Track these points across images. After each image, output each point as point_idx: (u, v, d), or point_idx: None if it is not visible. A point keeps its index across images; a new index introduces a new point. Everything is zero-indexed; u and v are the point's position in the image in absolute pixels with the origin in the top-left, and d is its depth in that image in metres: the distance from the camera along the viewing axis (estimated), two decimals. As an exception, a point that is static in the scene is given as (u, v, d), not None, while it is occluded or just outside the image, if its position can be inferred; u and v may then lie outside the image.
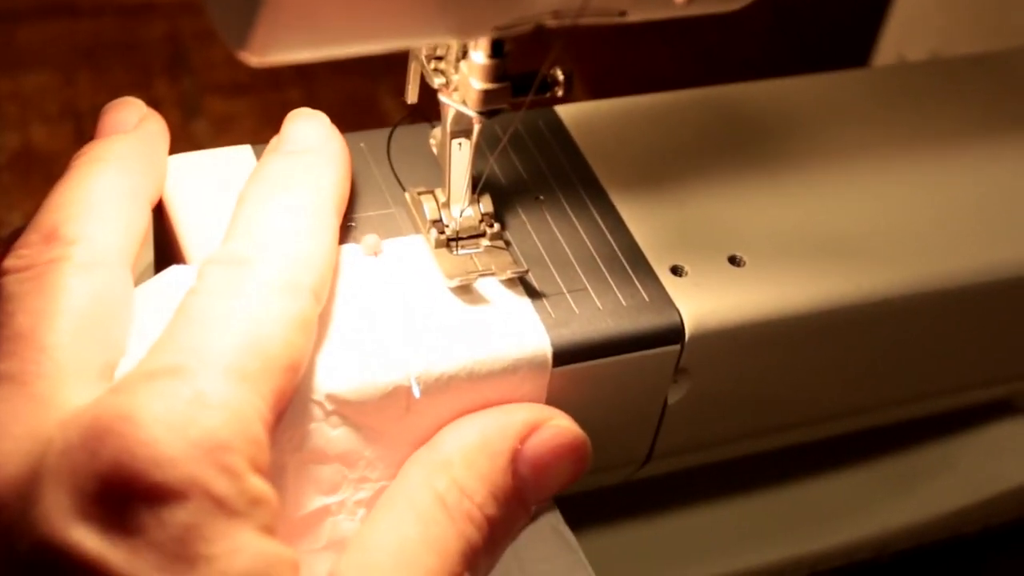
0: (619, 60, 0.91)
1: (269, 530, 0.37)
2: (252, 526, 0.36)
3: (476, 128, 0.46)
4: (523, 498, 0.44)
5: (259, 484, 0.37)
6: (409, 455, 0.44)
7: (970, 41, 0.77)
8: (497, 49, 0.44)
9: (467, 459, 0.43)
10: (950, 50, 0.78)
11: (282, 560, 0.36)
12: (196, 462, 0.35)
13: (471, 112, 0.45)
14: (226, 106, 0.89)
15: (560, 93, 0.45)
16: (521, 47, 0.44)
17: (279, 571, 0.36)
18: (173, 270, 0.45)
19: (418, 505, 0.41)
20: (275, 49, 0.36)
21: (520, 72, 0.45)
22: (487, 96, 0.44)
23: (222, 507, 0.35)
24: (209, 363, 0.37)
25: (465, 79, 0.44)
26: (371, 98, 0.90)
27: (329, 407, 0.42)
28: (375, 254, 0.47)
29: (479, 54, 0.44)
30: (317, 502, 0.43)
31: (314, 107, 0.49)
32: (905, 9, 0.83)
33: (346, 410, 0.43)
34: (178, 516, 0.35)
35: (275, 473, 0.41)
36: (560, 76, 0.45)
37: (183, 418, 0.35)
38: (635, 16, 0.41)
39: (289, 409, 0.41)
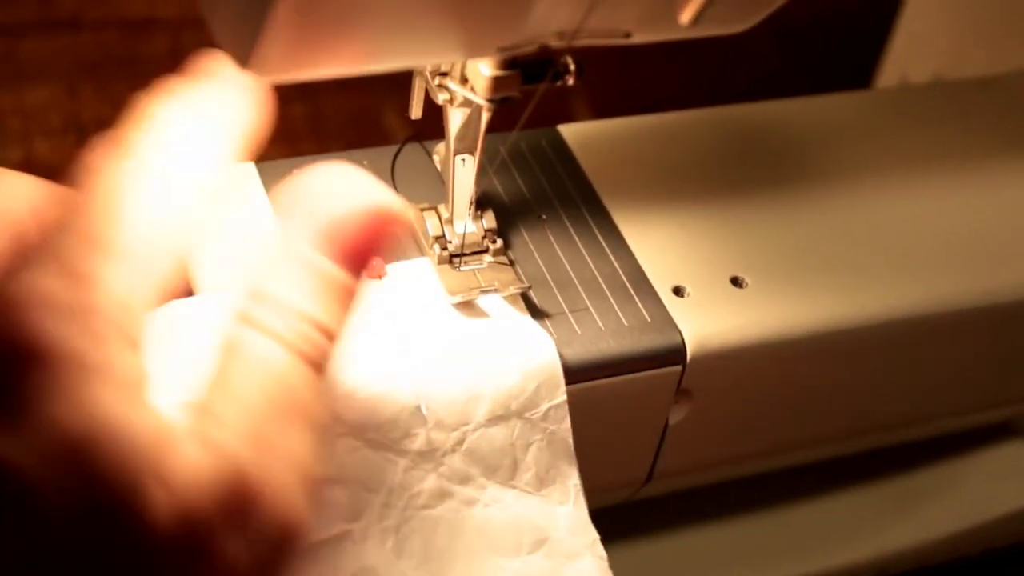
0: (623, 80, 0.91)
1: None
2: (111, 388, 0.33)
3: (485, 116, 0.44)
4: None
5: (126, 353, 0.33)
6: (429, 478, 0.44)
7: (974, 63, 0.77)
8: None
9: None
10: (954, 72, 0.78)
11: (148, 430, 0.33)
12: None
13: (480, 100, 0.44)
14: (229, 121, 0.89)
15: (571, 82, 0.44)
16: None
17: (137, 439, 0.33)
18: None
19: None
20: (279, 68, 0.36)
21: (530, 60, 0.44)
22: (497, 83, 0.43)
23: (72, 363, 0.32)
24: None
25: (475, 66, 0.43)
26: (375, 114, 0.90)
27: (340, 429, 0.42)
28: (379, 277, 0.47)
29: None
30: (336, 527, 0.43)
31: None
32: (909, 30, 0.83)
33: (358, 433, 0.43)
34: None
35: None
36: (571, 64, 0.44)
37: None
38: (640, 37, 0.41)
39: None
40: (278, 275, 0.36)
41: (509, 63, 0.43)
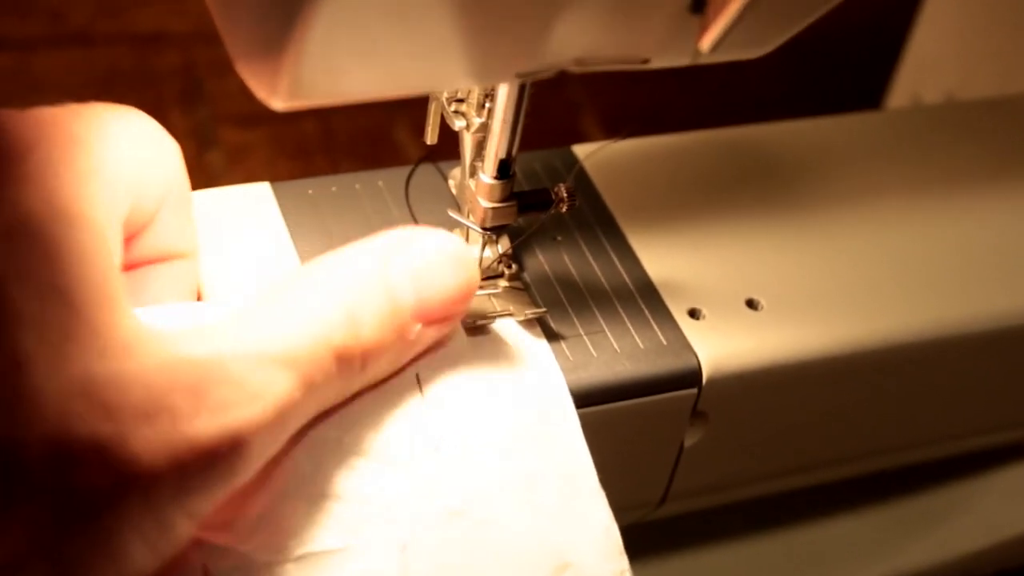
0: (632, 98, 0.92)
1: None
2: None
3: (483, 238, 0.47)
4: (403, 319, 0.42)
5: None
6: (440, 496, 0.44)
7: (986, 83, 0.77)
8: (503, 170, 0.46)
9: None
10: (966, 91, 0.78)
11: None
12: None
13: (479, 229, 0.47)
14: (241, 137, 0.90)
15: (564, 209, 0.47)
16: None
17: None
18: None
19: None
20: (300, 96, 0.36)
21: (526, 190, 0.47)
22: (494, 214, 0.46)
23: None
24: None
25: (474, 197, 0.46)
26: (387, 131, 0.90)
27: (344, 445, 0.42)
28: None
29: (486, 176, 0.46)
30: (335, 542, 0.42)
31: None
32: (920, 50, 0.83)
33: (363, 449, 0.43)
34: None
35: (285, 509, 0.41)
36: (564, 193, 0.47)
37: None
38: (658, 63, 0.41)
39: (302, 447, 0.41)
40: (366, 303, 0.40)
41: (506, 195, 0.46)
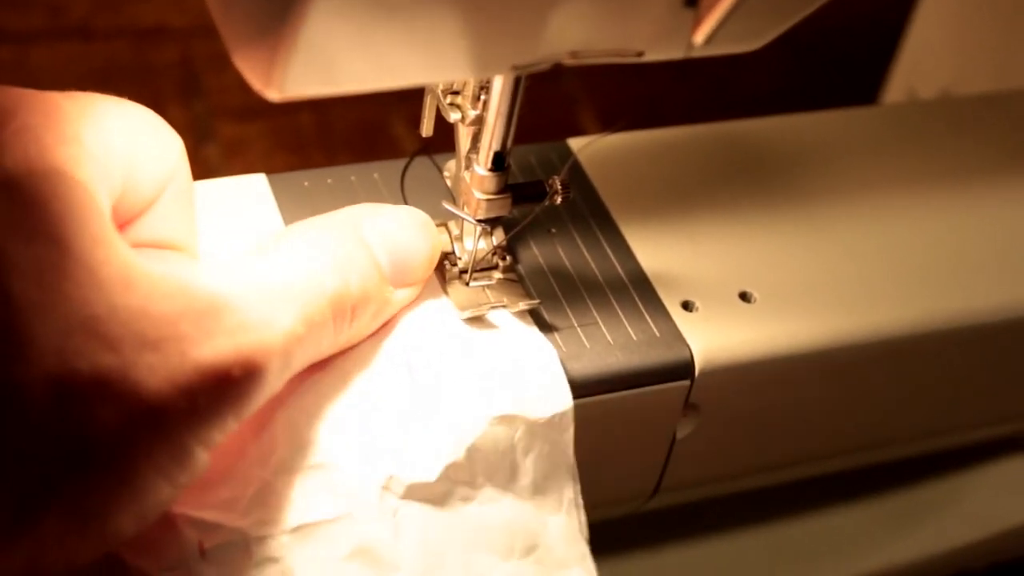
0: (629, 90, 0.92)
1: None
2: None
3: (477, 230, 0.48)
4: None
5: None
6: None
7: (982, 78, 0.77)
8: (498, 163, 0.46)
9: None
10: (962, 87, 0.79)
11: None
12: None
13: (472, 220, 0.47)
14: (238, 130, 0.90)
15: (559, 201, 0.47)
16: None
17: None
18: None
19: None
20: (295, 87, 0.36)
21: (521, 182, 0.48)
22: (488, 206, 0.47)
23: None
24: None
25: (468, 189, 0.47)
26: (383, 124, 0.90)
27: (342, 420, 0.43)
28: None
29: (481, 168, 0.46)
30: (337, 507, 0.43)
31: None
32: (917, 46, 0.83)
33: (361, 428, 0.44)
34: None
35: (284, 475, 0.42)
36: (559, 186, 0.47)
37: None
38: (652, 56, 0.41)
39: (296, 421, 0.42)
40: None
41: (501, 187, 0.47)
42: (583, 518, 0.47)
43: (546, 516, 0.46)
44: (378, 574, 0.43)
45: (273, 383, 0.39)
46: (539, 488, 0.46)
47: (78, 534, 0.35)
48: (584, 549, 0.47)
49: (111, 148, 0.40)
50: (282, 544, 0.41)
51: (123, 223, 0.43)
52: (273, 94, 0.37)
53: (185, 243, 0.45)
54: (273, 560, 0.41)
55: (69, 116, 0.38)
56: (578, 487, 0.47)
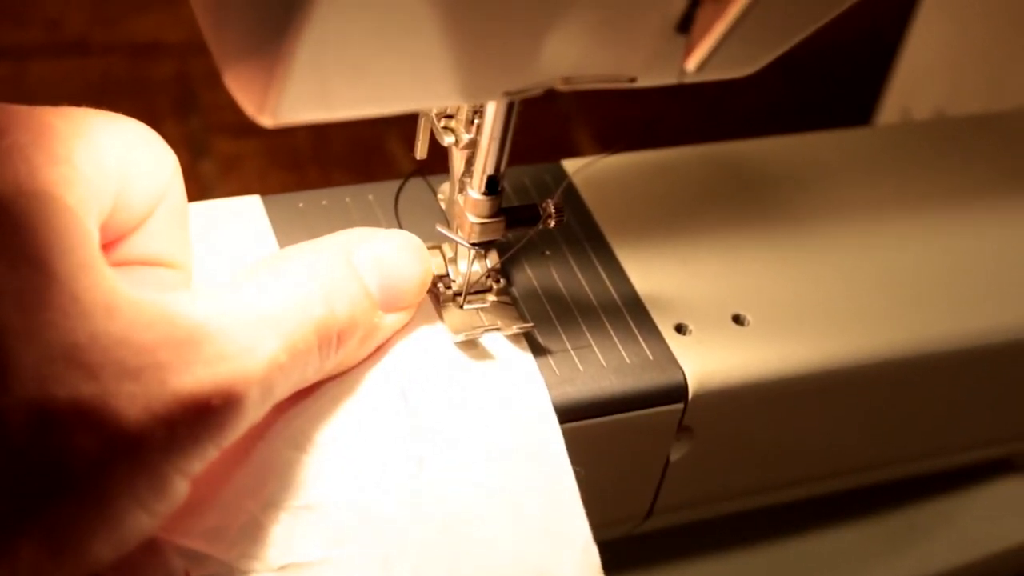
0: (623, 111, 0.92)
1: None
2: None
3: (471, 253, 0.48)
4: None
5: None
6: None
7: (976, 97, 0.78)
8: (492, 187, 0.46)
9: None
10: (956, 106, 0.79)
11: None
12: None
13: (466, 244, 0.47)
14: (234, 147, 0.90)
15: (552, 224, 0.48)
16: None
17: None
18: None
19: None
20: (289, 113, 0.37)
21: (515, 206, 0.48)
22: (482, 229, 0.47)
23: None
24: None
25: (462, 212, 0.47)
26: (379, 143, 0.90)
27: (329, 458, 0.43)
28: None
29: (474, 191, 0.46)
30: (316, 554, 0.43)
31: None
32: (911, 66, 0.83)
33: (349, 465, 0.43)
34: None
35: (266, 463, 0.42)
36: (552, 209, 0.47)
37: None
38: (645, 82, 0.41)
39: (285, 457, 0.42)
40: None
41: (494, 211, 0.47)
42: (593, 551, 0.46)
43: (560, 551, 0.45)
44: None
45: (254, 412, 0.38)
46: (545, 517, 0.45)
47: (54, 560, 0.34)
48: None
49: (103, 167, 0.40)
50: None
51: (115, 239, 0.43)
52: (267, 120, 0.37)
53: (178, 260, 0.45)
54: None
55: (60, 134, 0.38)
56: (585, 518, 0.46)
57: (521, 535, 0.45)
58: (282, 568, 0.42)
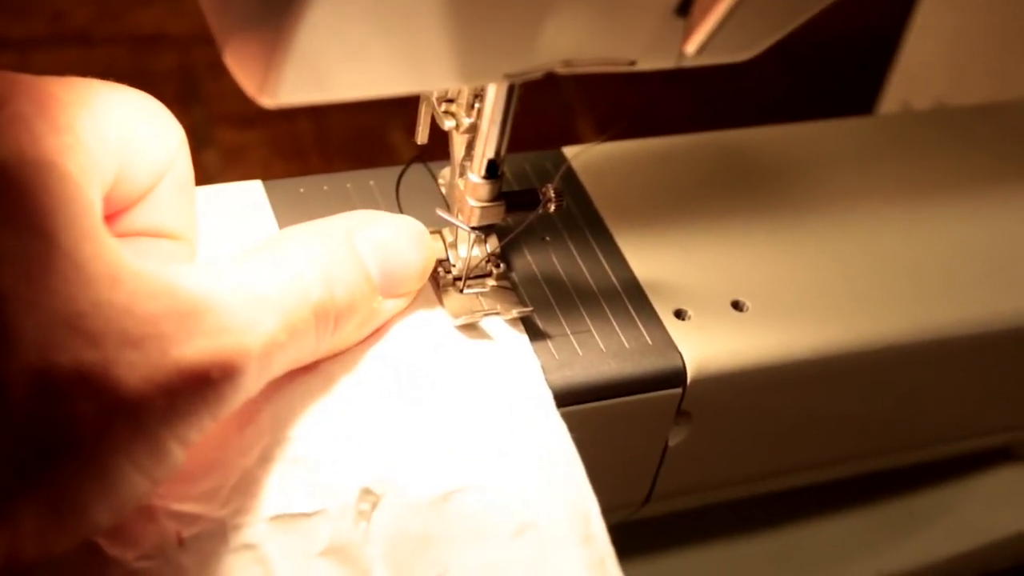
0: (625, 99, 0.92)
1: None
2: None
3: (471, 238, 0.48)
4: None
5: None
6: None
7: (976, 90, 0.78)
8: (492, 170, 0.46)
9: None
10: (956, 98, 0.79)
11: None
12: None
13: (466, 228, 0.48)
14: (237, 137, 0.90)
15: (552, 209, 0.48)
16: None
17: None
18: None
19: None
20: (289, 94, 0.37)
21: (514, 190, 0.48)
22: (482, 213, 0.47)
23: None
24: None
25: (462, 196, 0.47)
26: (381, 132, 0.91)
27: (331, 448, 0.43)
28: None
29: (475, 175, 0.46)
30: (313, 504, 0.43)
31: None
32: (911, 57, 0.83)
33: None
34: None
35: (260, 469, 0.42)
36: (552, 194, 0.48)
37: None
38: (644, 65, 0.41)
39: (280, 415, 0.42)
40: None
41: (494, 195, 0.47)
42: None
43: (573, 543, 0.44)
44: (349, 574, 0.43)
45: (250, 386, 0.39)
46: (539, 472, 0.45)
47: (55, 525, 0.35)
48: (595, 529, 0.45)
49: (105, 137, 0.40)
50: (259, 532, 0.42)
51: (119, 211, 0.43)
52: (267, 101, 0.37)
53: (182, 232, 0.45)
54: (249, 547, 0.41)
55: (64, 104, 0.38)
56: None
57: (507, 489, 0.44)
58: (274, 519, 0.42)
